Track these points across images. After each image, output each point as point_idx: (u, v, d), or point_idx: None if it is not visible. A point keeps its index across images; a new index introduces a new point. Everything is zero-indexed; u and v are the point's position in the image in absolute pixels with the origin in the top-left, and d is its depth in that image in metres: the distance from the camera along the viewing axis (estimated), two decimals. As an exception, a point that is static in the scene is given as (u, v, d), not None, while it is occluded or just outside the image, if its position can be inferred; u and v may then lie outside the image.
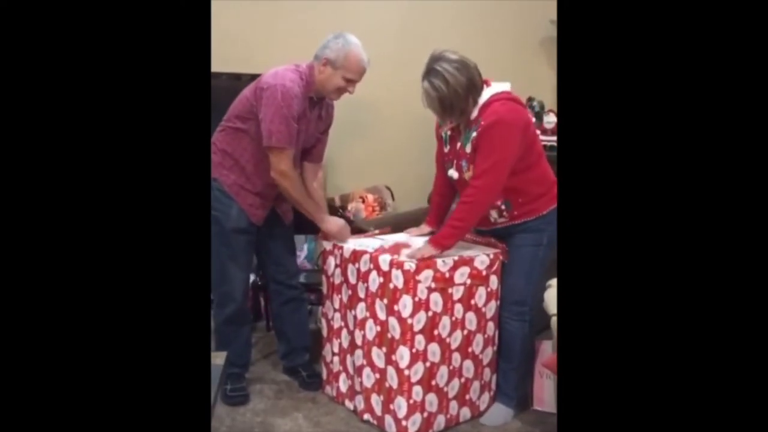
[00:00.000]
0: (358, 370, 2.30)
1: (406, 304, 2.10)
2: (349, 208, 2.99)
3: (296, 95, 2.25)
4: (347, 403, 2.41)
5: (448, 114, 2.16)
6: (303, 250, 3.38)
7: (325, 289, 2.45)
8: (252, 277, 2.96)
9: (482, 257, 2.25)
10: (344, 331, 2.38)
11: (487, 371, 2.37)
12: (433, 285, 2.13)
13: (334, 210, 2.81)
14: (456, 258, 2.17)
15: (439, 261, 2.13)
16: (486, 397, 2.40)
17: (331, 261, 2.40)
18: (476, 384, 2.34)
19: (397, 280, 2.11)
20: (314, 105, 2.39)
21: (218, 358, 1.64)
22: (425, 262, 2.10)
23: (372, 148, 3.67)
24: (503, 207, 2.27)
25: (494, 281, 2.30)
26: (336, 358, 2.45)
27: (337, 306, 2.41)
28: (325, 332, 2.49)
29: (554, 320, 2.10)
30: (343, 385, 2.43)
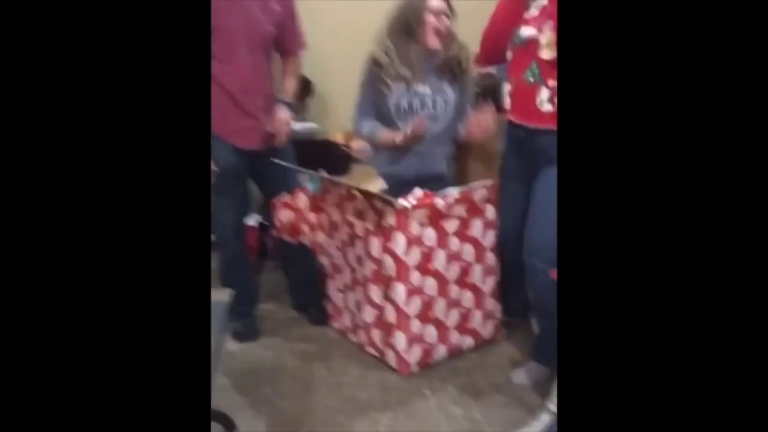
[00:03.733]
0: (359, 306, 2.35)
1: (398, 242, 2.10)
2: (353, 145, 2.95)
3: None
4: (352, 336, 2.48)
5: None
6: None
7: (327, 227, 2.47)
8: (258, 218, 3.00)
9: (481, 191, 2.21)
10: (346, 269, 2.41)
11: (489, 301, 2.39)
12: (426, 221, 2.12)
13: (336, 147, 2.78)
14: (457, 196, 2.15)
15: (438, 200, 2.11)
16: (490, 325, 2.42)
17: (329, 199, 2.41)
18: (478, 313, 2.36)
19: (390, 218, 2.10)
20: None
21: (223, 295, 1.68)
22: (422, 202, 2.09)
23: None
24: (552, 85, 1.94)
25: (490, 211, 2.27)
26: (340, 295, 2.50)
27: (339, 244, 2.43)
28: (327, 269, 2.53)
29: None
30: (347, 319, 2.49)
